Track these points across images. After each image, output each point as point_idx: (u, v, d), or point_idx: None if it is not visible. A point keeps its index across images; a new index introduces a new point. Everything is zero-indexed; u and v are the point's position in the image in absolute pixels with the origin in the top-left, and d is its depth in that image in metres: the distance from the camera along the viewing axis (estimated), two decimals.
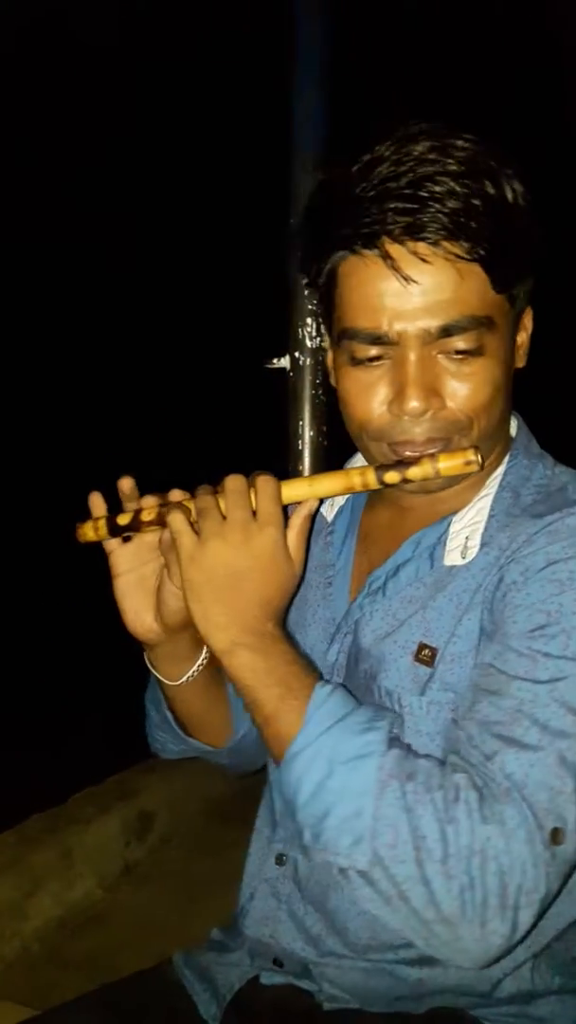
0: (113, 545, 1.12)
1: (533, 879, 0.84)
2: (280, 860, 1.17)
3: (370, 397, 1.03)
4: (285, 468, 2.16)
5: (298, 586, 1.04)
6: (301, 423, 2.11)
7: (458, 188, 0.95)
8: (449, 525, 1.09)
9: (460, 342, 0.99)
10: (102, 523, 1.09)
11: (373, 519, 1.22)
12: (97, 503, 1.11)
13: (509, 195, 0.99)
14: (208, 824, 2.87)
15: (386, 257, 0.97)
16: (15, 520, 6.54)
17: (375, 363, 1.02)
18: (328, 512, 1.27)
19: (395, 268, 0.97)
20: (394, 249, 0.97)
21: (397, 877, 0.86)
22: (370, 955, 1.07)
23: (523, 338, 1.10)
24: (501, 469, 1.11)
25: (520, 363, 1.10)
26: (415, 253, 0.96)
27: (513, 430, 1.16)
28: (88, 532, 1.09)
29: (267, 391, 2.19)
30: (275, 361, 2.07)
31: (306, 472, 2.12)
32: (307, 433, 2.12)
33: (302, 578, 1.05)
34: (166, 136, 7.84)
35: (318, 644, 1.18)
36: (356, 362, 1.03)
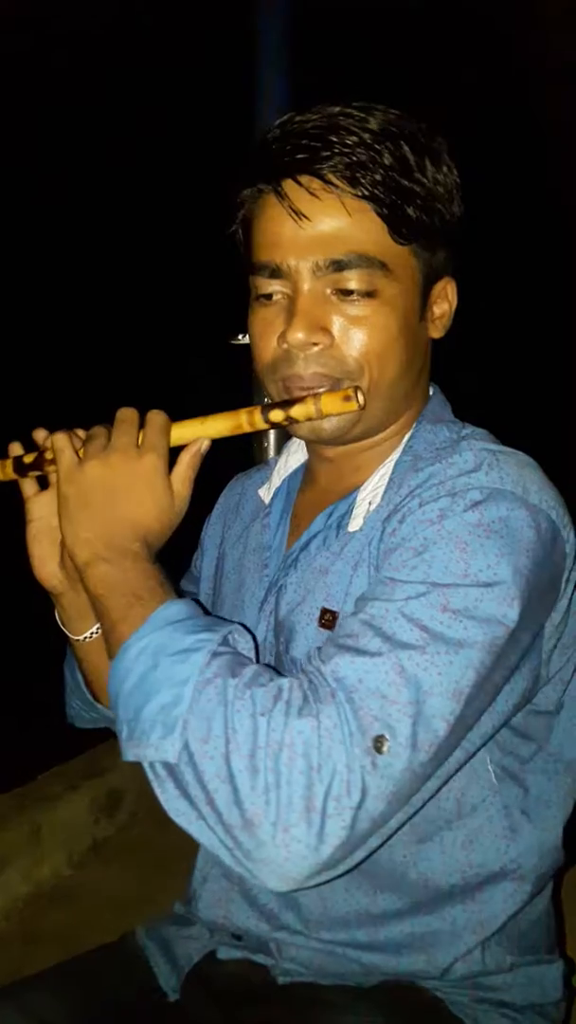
0: (30, 492, 1.14)
1: (345, 784, 0.79)
2: None
3: (269, 334, 1.06)
4: (250, 443, 2.16)
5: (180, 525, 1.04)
6: (266, 399, 2.11)
7: (369, 140, 1.00)
8: (357, 493, 1.11)
9: (352, 281, 1.01)
10: (9, 463, 1.12)
11: (303, 498, 1.24)
12: (14, 447, 1.13)
13: (429, 167, 1.03)
14: None
15: (281, 195, 1.01)
16: None
17: (274, 300, 1.06)
18: (266, 495, 1.29)
19: (288, 206, 1.01)
20: (288, 185, 1.01)
21: (205, 775, 0.82)
22: (322, 934, 1.09)
23: (443, 309, 1.12)
24: (408, 435, 1.13)
25: (436, 333, 1.13)
26: (307, 188, 1.00)
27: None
28: None
29: (232, 367, 2.18)
30: (240, 338, 2.06)
31: (271, 448, 2.13)
32: None
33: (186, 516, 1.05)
34: (131, 119, 7.75)
35: (252, 623, 1.19)
36: (258, 299, 1.07)
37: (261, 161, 1.04)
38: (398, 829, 0.88)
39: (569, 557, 1.01)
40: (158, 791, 0.86)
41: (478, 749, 0.96)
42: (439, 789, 0.92)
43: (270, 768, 0.80)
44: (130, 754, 0.87)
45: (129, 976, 1.18)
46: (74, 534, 0.98)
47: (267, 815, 0.79)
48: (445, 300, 1.12)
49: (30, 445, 1.13)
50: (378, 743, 0.81)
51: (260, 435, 2.12)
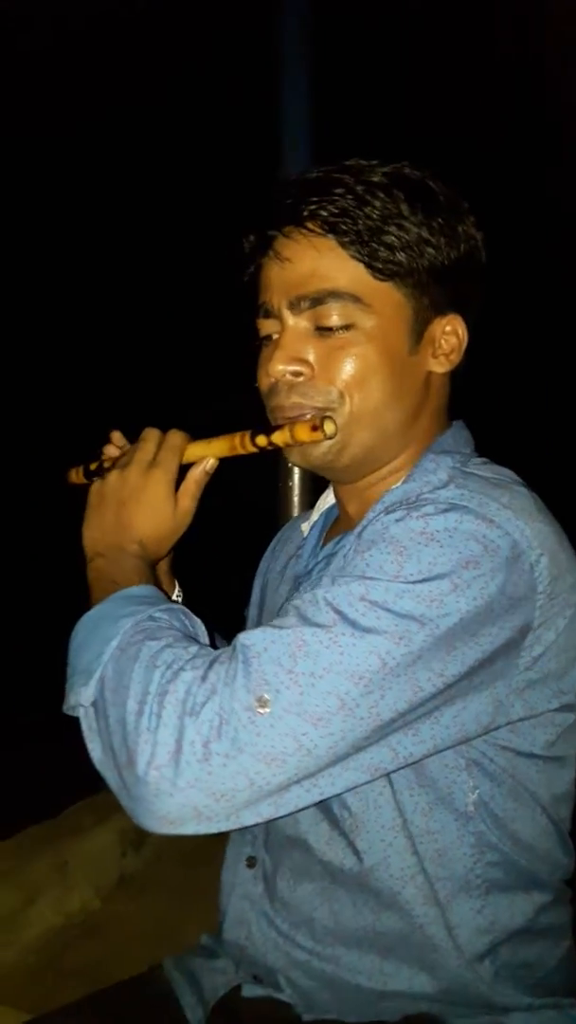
0: None
1: (216, 731, 0.87)
2: (251, 863, 1.21)
3: (264, 369, 1.15)
4: (275, 483, 2.23)
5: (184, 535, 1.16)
6: None
7: (360, 191, 1.08)
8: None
9: (331, 316, 1.09)
10: (81, 469, 1.27)
11: (333, 531, 1.31)
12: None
13: (420, 214, 1.09)
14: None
15: (268, 245, 1.12)
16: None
17: (272, 340, 1.15)
18: (306, 528, 1.37)
19: (272, 250, 1.12)
20: (275, 236, 1.12)
21: (110, 719, 0.93)
22: (337, 949, 1.09)
23: (451, 343, 1.15)
24: (409, 468, 1.15)
25: (440, 368, 1.16)
26: (286, 235, 1.10)
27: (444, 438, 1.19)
28: (72, 476, 1.28)
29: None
30: None
31: (296, 489, 2.24)
32: None
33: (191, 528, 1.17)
34: (151, 165, 7.83)
35: None
36: (261, 341, 1.18)
37: (261, 215, 1.14)
38: (307, 808, 0.95)
39: (542, 584, 0.98)
40: (84, 734, 0.98)
41: (416, 759, 0.97)
42: (365, 784, 0.96)
43: (153, 712, 0.89)
44: (66, 705, 0.99)
45: (157, 1008, 1.20)
46: (87, 534, 1.14)
47: (143, 753, 0.89)
48: (453, 335, 1.15)
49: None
50: (260, 702, 0.88)
51: (285, 475, 2.21)
